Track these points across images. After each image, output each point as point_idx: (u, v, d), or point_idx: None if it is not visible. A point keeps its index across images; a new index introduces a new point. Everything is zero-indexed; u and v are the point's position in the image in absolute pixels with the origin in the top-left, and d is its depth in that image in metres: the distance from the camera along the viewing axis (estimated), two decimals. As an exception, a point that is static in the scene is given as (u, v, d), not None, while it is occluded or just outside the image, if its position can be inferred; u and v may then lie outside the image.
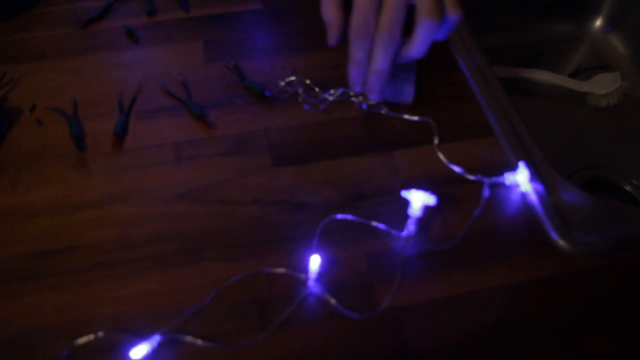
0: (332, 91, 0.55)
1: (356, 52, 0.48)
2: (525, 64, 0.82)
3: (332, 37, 0.48)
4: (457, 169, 0.50)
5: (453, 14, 0.45)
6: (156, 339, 0.40)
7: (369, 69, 0.48)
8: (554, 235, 0.47)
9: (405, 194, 0.45)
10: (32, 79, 0.60)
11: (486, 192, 0.49)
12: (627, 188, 0.73)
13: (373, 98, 0.51)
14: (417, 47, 0.46)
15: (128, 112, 0.56)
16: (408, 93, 0.54)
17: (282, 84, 0.56)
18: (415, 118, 0.54)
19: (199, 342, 0.41)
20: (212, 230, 0.47)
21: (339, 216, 0.47)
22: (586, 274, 0.44)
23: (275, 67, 0.59)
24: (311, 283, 0.43)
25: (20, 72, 0.60)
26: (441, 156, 0.52)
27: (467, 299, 0.43)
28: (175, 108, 0.56)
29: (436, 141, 0.53)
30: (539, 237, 0.47)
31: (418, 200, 0.44)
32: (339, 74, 0.58)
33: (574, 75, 0.82)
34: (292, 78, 0.57)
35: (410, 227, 0.45)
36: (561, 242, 0.46)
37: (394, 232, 0.46)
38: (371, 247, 0.46)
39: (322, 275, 0.44)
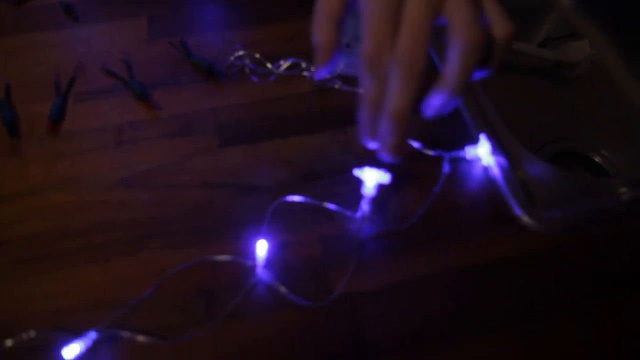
0: (282, 62, 0.51)
1: (372, 89, 0.34)
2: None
3: (323, 65, 0.36)
4: (415, 144, 0.48)
5: (501, 30, 0.33)
6: (91, 336, 0.37)
7: (383, 112, 0.34)
8: (517, 211, 0.45)
9: (357, 172, 0.42)
10: (-39, 60, 0.56)
11: (446, 168, 0.46)
12: (597, 159, 0.71)
13: (388, 158, 0.35)
14: (451, 82, 0.33)
15: (65, 95, 0.52)
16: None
17: (231, 58, 0.53)
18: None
19: (139, 337, 0.38)
20: (156, 217, 0.44)
21: (289, 198, 0.44)
22: (551, 251, 0.42)
23: (224, 42, 0.56)
24: (259, 270, 0.40)
25: (-50, 54, 0.56)
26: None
27: (426, 283, 0.41)
28: (117, 88, 0.53)
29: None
30: (502, 214, 0.44)
31: (371, 178, 0.41)
32: (295, 48, 0.55)
33: (542, 45, 0.79)
34: (241, 52, 0.53)
35: (365, 207, 0.42)
36: (525, 219, 0.44)
37: (348, 213, 0.43)
38: (325, 230, 0.43)
39: (271, 261, 0.41)
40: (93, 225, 0.44)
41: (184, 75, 0.53)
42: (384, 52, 0.32)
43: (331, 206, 0.43)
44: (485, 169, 0.47)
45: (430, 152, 0.47)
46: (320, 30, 0.35)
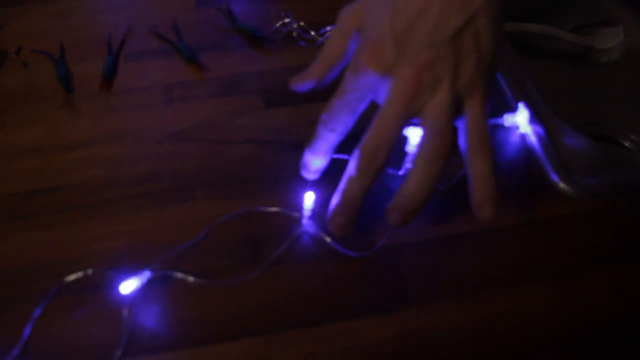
0: (328, 28, 0.53)
1: (320, 135, 0.40)
2: (523, 19, 0.80)
3: (297, 83, 0.41)
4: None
5: (479, 163, 0.36)
6: (146, 274, 0.39)
7: (337, 188, 0.38)
8: (554, 177, 0.46)
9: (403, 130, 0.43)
10: (17, 22, 0.58)
11: (485, 134, 0.47)
12: (626, 144, 0.72)
13: (332, 228, 0.38)
14: (407, 190, 0.36)
15: (117, 54, 0.54)
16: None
17: (277, 25, 0.54)
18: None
19: (190, 278, 0.40)
20: (204, 169, 0.46)
21: (335, 155, 0.45)
22: (585, 215, 0.43)
23: (269, 10, 0.57)
24: (305, 221, 0.42)
25: (5, 16, 0.58)
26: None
27: (465, 240, 0.42)
28: (166, 51, 0.54)
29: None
30: (538, 180, 0.46)
31: (416, 136, 0.43)
32: (335, 18, 0.56)
33: (575, 31, 0.80)
34: (287, 20, 0.55)
35: (408, 165, 0.44)
36: (561, 184, 0.45)
37: (390, 170, 0.45)
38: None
39: (317, 214, 0.42)
40: (143, 175, 0.46)
41: (230, 40, 0.55)
42: (339, 118, 0.38)
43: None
44: (523, 137, 0.48)
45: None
46: (315, 66, 0.40)
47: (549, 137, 0.48)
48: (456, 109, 0.35)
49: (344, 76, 0.37)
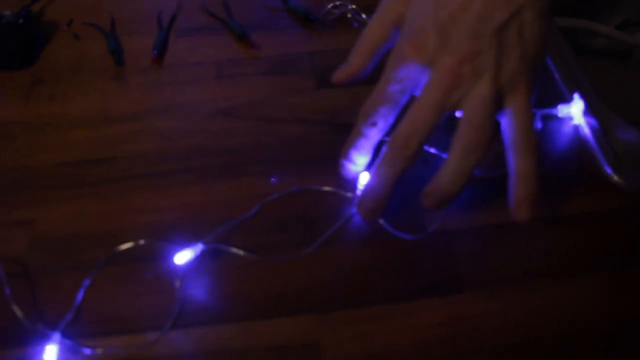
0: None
1: (354, 134, 0.39)
2: (564, 14, 0.79)
3: (341, 77, 0.41)
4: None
5: (521, 179, 0.36)
6: (199, 247, 0.39)
7: (371, 174, 0.38)
8: (607, 169, 0.45)
9: (459, 114, 0.43)
10: (68, -6, 0.58)
11: (538, 124, 0.47)
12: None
13: (360, 213, 0.40)
14: (443, 177, 0.36)
15: (167, 30, 0.54)
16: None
17: (329, 6, 0.54)
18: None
19: (242, 253, 0.40)
20: (256, 146, 0.45)
21: (387, 138, 0.45)
22: (637, 208, 0.43)
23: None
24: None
25: (56, -12, 0.59)
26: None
27: (517, 228, 0.42)
28: (216, 28, 0.54)
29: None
30: (591, 172, 0.45)
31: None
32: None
33: (621, 28, 0.79)
34: (338, 2, 0.54)
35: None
36: (615, 178, 0.45)
37: (445, 155, 0.44)
38: (420, 170, 0.44)
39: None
40: (194, 150, 0.46)
41: (281, 21, 0.55)
42: (376, 115, 0.37)
43: (430, 149, 0.44)
44: (576, 128, 0.47)
45: (523, 109, 0.48)
46: (356, 53, 0.40)
47: (602, 130, 0.47)
48: (498, 103, 0.35)
49: (385, 67, 0.37)
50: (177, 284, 0.39)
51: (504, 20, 0.34)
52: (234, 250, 0.40)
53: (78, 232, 0.41)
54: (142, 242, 0.40)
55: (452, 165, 0.35)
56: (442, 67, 0.34)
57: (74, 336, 0.37)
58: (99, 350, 0.36)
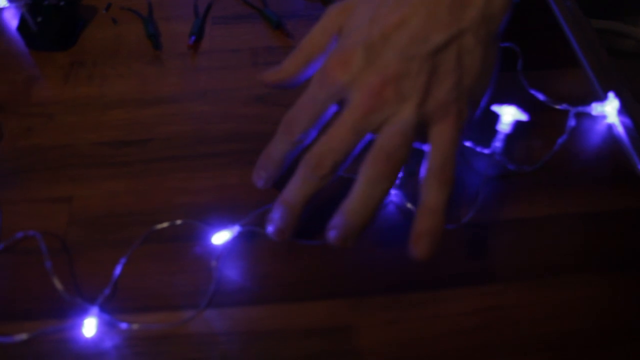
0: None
1: (273, 144, 0.36)
2: (589, 15, 0.78)
3: (269, 79, 0.38)
4: (540, 96, 0.49)
5: (433, 195, 0.33)
6: (236, 228, 0.40)
7: (279, 196, 0.35)
8: (640, 168, 0.45)
9: (496, 107, 0.43)
10: (106, -21, 0.59)
11: (572, 121, 0.47)
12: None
13: (269, 231, 0.36)
14: (347, 208, 0.33)
15: (204, 17, 0.54)
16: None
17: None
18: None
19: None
20: (291, 133, 0.46)
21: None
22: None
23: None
24: (393, 191, 0.42)
25: (95, -27, 0.59)
26: (524, 83, 0.50)
27: (548, 223, 0.42)
28: (252, 16, 0.55)
29: (519, 66, 0.51)
30: (624, 171, 0.45)
31: (509, 114, 0.43)
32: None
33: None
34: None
35: (498, 143, 0.43)
36: (648, 177, 0.45)
37: (478, 148, 0.44)
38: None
39: (402, 185, 0.43)
40: (229, 135, 0.46)
41: (316, 11, 0.55)
42: (296, 126, 0.35)
43: (463, 141, 0.45)
44: (610, 127, 0.47)
45: (557, 106, 0.48)
46: (289, 61, 0.38)
47: (636, 129, 0.47)
48: (420, 131, 0.33)
49: (312, 79, 0.35)
50: (213, 264, 0.39)
51: (440, 44, 0.31)
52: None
53: (115, 210, 0.42)
54: (178, 222, 0.41)
55: (358, 195, 0.32)
56: (364, 87, 0.32)
57: (111, 311, 0.37)
58: (135, 326, 0.37)
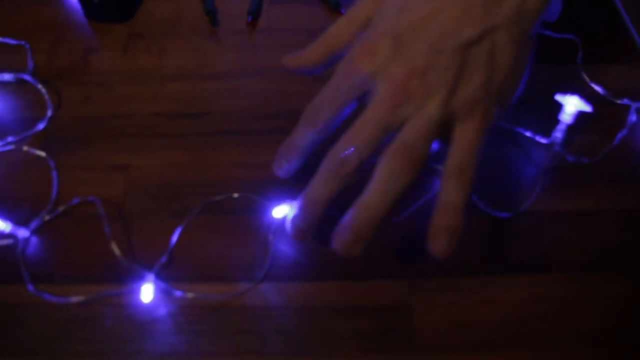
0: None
1: (295, 133, 0.35)
2: None
3: (289, 64, 0.37)
4: (600, 90, 0.48)
5: (451, 196, 0.31)
6: (295, 204, 0.40)
7: (301, 194, 0.33)
8: (703, 168, 0.44)
9: (559, 97, 0.42)
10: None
11: (633, 117, 0.46)
12: None
13: (291, 232, 0.35)
14: (361, 205, 0.31)
15: (262, -4, 0.55)
16: (554, 8, 0.51)
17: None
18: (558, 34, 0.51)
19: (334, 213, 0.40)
20: (350, 114, 0.46)
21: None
22: None
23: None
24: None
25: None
26: (584, 76, 0.49)
27: (607, 215, 0.41)
28: (310, -2, 0.55)
29: (579, 59, 0.50)
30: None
31: (572, 105, 0.42)
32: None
33: None
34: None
35: (558, 133, 0.43)
36: None
37: (538, 138, 0.44)
38: (507, 151, 0.44)
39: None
40: (288, 112, 0.46)
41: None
42: (320, 117, 0.33)
43: (524, 131, 0.44)
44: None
45: (617, 101, 0.47)
46: (311, 49, 0.36)
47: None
48: (446, 128, 0.31)
49: (336, 68, 0.33)
50: (270, 237, 0.39)
51: (472, 38, 0.30)
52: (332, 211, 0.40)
53: (171, 181, 0.42)
54: (235, 195, 0.41)
55: (376, 189, 0.31)
56: (389, 79, 0.30)
57: (166, 279, 0.38)
58: (190, 295, 0.37)
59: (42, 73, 0.49)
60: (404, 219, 0.40)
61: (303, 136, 0.34)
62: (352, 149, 0.31)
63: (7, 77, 0.47)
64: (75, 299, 0.37)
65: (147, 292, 0.37)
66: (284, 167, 0.36)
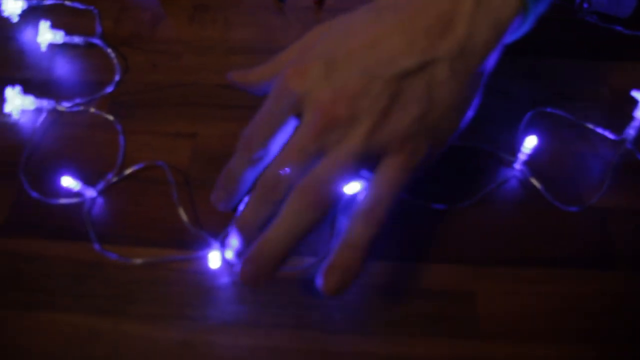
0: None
1: (232, 162, 0.34)
2: None
3: (234, 79, 0.37)
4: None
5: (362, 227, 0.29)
6: (363, 183, 0.39)
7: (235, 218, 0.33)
8: None
9: (635, 93, 0.42)
10: None
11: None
12: None
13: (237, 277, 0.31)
14: (265, 236, 0.29)
15: (329, -26, 0.54)
16: (628, 4, 0.50)
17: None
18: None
19: (405, 197, 0.40)
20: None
21: (550, 109, 0.44)
22: None
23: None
24: (518, 166, 0.41)
25: None
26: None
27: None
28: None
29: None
30: None
31: (646, 100, 0.41)
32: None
33: None
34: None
35: (631, 130, 0.42)
36: None
37: (608, 134, 0.43)
38: (577, 147, 0.43)
39: (529, 162, 0.42)
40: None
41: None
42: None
43: (595, 127, 0.43)
44: None
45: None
46: (262, 67, 0.35)
47: None
48: (368, 162, 0.29)
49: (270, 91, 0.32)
50: (334, 215, 0.39)
51: (409, 69, 0.28)
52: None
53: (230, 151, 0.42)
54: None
55: (278, 224, 0.29)
56: (316, 102, 0.29)
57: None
58: (253, 265, 0.37)
59: (109, 39, 0.49)
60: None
61: (240, 164, 0.33)
62: (281, 173, 0.29)
63: (77, 40, 0.48)
64: (139, 260, 0.38)
65: (214, 260, 0.37)
66: (222, 199, 0.34)
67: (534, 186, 0.41)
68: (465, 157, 0.42)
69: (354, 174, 0.29)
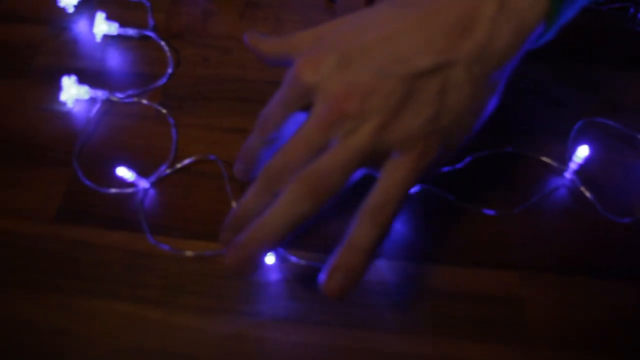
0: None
1: (250, 139, 0.34)
2: None
3: (249, 43, 0.35)
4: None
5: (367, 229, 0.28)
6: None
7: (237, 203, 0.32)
8: None
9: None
10: None
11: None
12: None
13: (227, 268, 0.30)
14: (268, 214, 0.29)
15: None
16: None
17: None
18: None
19: (449, 197, 0.40)
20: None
21: (600, 119, 0.44)
22: None
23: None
24: (568, 175, 0.41)
25: None
26: None
27: None
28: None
29: None
30: None
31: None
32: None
33: None
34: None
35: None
36: None
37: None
38: (627, 158, 0.43)
39: (580, 170, 0.41)
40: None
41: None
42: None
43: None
44: None
45: None
46: (275, 41, 0.34)
47: None
48: (373, 160, 0.28)
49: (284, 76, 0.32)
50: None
51: (425, 69, 0.27)
52: (442, 193, 0.40)
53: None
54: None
55: (274, 210, 0.28)
56: (327, 95, 0.28)
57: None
58: (303, 261, 0.38)
59: (160, 32, 0.50)
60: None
61: (256, 143, 0.33)
62: (285, 163, 0.29)
63: (131, 32, 0.48)
64: (191, 253, 0.38)
65: (269, 255, 0.37)
66: (240, 170, 0.35)
67: (584, 196, 0.41)
68: (516, 164, 0.42)
69: (356, 170, 0.28)
